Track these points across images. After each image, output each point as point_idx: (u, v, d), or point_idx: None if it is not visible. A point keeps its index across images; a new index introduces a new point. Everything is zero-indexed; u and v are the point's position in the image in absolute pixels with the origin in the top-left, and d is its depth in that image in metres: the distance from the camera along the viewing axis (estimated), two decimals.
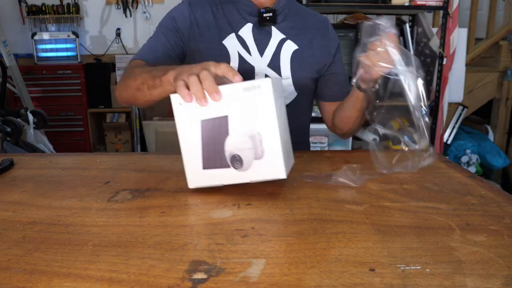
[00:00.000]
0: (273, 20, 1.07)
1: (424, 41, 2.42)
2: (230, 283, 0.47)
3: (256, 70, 1.07)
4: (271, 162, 0.69)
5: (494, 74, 3.00)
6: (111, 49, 3.70)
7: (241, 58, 1.07)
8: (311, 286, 0.46)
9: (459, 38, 2.39)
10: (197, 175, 0.73)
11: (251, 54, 1.07)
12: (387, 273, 0.49)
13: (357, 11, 2.38)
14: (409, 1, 2.25)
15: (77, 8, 3.59)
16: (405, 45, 2.39)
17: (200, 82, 0.68)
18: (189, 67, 0.73)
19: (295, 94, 1.10)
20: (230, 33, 1.07)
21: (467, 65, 2.64)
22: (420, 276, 0.48)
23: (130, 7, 3.64)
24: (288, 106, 1.09)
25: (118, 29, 3.68)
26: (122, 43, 3.70)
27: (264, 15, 1.06)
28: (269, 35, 1.08)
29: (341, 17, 2.55)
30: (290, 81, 1.09)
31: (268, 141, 0.68)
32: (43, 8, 3.56)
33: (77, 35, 3.55)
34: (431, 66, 2.40)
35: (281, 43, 1.09)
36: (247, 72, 1.07)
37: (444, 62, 2.32)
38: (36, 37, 3.50)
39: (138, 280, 0.48)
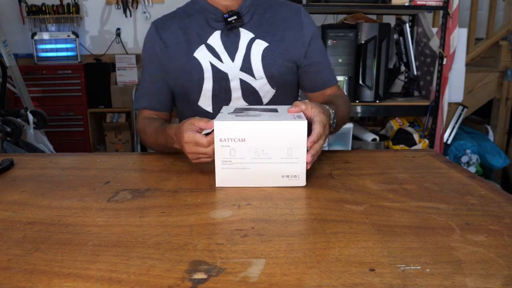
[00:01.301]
0: (239, 23, 1.06)
1: (424, 41, 2.42)
2: (230, 283, 0.47)
3: (230, 76, 1.07)
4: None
5: (494, 74, 3.00)
6: (111, 49, 3.70)
7: (213, 67, 1.07)
8: (311, 286, 0.46)
9: (459, 38, 2.39)
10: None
11: (223, 61, 1.07)
12: (387, 273, 0.49)
13: (357, 11, 2.38)
14: (409, 1, 2.24)
15: (77, 8, 3.59)
16: (405, 45, 2.39)
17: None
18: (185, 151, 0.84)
19: (273, 91, 1.09)
20: (200, 45, 1.07)
21: (467, 65, 2.63)
22: (420, 276, 0.48)
23: (130, 7, 3.64)
24: (268, 104, 1.10)
25: (118, 29, 3.68)
26: (122, 43, 3.70)
27: (229, 19, 1.05)
28: (237, 38, 1.07)
29: (341, 17, 2.54)
30: (264, 80, 1.08)
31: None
32: (43, 8, 3.56)
33: (77, 35, 3.55)
34: (431, 66, 2.40)
35: (250, 43, 1.07)
36: (221, 79, 1.07)
37: (444, 62, 2.32)
38: (36, 37, 3.50)
39: (138, 280, 0.48)
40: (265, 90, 1.09)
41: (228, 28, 1.06)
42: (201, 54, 1.07)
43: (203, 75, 1.07)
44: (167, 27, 1.11)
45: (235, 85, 1.08)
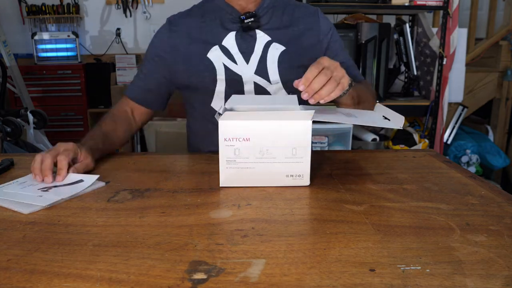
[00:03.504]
0: (255, 24, 1.04)
1: (424, 41, 2.42)
2: (230, 283, 0.47)
3: (244, 79, 1.05)
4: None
5: (494, 74, 3.00)
6: (111, 49, 3.70)
7: (227, 69, 1.04)
8: (311, 286, 0.46)
9: (459, 38, 2.39)
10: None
11: (237, 63, 1.05)
12: (387, 273, 0.49)
13: (357, 11, 2.38)
14: (409, 1, 2.24)
15: (77, 8, 3.59)
16: (405, 45, 2.39)
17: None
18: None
19: None
20: (214, 45, 1.05)
21: (467, 65, 2.63)
22: (420, 276, 0.48)
23: (130, 7, 3.64)
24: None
25: (118, 29, 3.68)
26: (122, 43, 3.70)
27: (246, 21, 1.03)
28: (253, 40, 1.05)
29: (341, 17, 2.54)
30: (280, 85, 1.05)
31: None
32: (43, 8, 3.55)
33: (77, 35, 3.54)
34: (431, 66, 2.40)
35: (266, 46, 1.05)
36: (235, 82, 1.05)
37: (444, 62, 2.32)
38: (36, 37, 3.50)
39: (138, 280, 0.48)
40: (280, 95, 1.06)
41: (245, 30, 1.04)
42: (215, 55, 1.04)
43: (215, 76, 1.04)
44: (181, 25, 1.08)
45: (248, 89, 1.05)
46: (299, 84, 0.77)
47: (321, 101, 0.78)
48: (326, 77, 0.77)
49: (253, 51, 1.05)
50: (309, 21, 1.09)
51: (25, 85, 3.17)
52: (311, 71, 0.77)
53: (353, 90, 0.89)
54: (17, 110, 2.72)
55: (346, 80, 0.81)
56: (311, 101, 0.78)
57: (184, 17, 1.10)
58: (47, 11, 3.56)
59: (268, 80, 1.05)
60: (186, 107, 1.18)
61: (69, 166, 0.82)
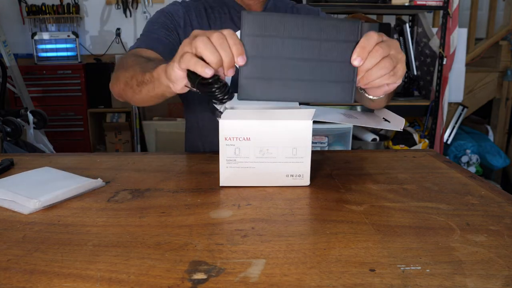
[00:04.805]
0: None
1: (424, 41, 2.42)
2: (230, 283, 0.47)
3: None
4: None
5: (494, 74, 3.00)
6: (111, 49, 3.70)
7: None
8: (311, 286, 0.46)
9: (459, 38, 2.39)
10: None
11: None
12: (387, 273, 0.49)
13: (357, 11, 2.38)
14: (409, 1, 2.24)
15: (77, 8, 3.59)
16: (405, 45, 2.39)
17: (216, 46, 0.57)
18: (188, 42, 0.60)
19: None
20: None
21: (467, 65, 2.64)
22: (420, 277, 0.48)
23: (130, 7, 3.64)
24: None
25: (118, 29, 3.68)
26: (122, 43, 3.70)
27: None
28: None
29: (341, 17, 2.54)
30: None
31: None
32: (43, 8, 3.56)
33: (77, 35, 3.54)
34: (431, 66, 2.40)
35: None
36: (236, 79, 1.04)
37: (444, 62, 2.32)
38: (36, 37, 3.50)
39: (138, 280, 0.48)
40: None
41: None
42: None
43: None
44: (193, 10, 1.06)
45: None
46: (355, 59, 0.61)
47: (370, 85, 0.64)
48: (380, 54, 0.60)
49: None
50: None
51: (25, 85, 3.17)
52: (368, 39, 0.60)
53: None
54: (17, 110, 2.72)
55: (401, 67, 0.63)
56: (361, 84, 0.63)
57: (195, 5, 1.08)
58: (47, 11, 3.57)
59: None
60: (183, 101, 1.17)
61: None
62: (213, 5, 1.09)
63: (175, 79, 0.64)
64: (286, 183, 0.78)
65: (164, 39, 0.98)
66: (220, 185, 0.78)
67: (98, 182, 0.78)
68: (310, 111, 0.74)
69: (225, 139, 0.75)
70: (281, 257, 0.52)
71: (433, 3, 2.25)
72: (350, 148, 2.36)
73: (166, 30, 1.01)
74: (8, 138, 2.39)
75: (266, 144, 0.75)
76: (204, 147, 1.13)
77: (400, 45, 2.37)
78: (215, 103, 0.67)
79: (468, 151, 2.76)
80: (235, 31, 1.03)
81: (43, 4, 3.55)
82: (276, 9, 1.10)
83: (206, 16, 1.06)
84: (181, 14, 1.05)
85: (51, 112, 3.25)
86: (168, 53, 0.94)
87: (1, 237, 0.59)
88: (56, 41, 3.54)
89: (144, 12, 3.65)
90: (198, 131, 1.14)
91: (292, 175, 0.77)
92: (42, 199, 0.68)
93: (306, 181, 0.78)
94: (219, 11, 1.08)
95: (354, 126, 2.42)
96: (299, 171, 0.77)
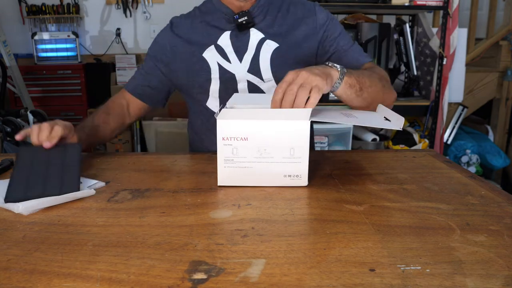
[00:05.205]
0: (249, 24, 1.04)
1: (424, 41, 2.42)
2: (230, 283, 0.47)
3: (237, 77, 1.06)
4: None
5: (494, 74, 3.00)
6: (111, 49, 3.70)
7: (221, 68, 1.05)
8: (311, 286, 0.46)
9: (459, 38, 2.38)
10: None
11: (231, 61, 1.06)
12: (387, 273, 0.49)
13: (357, 11, 2.38)
14: (409, 1, 2.24)
15: (77, 8, 3.59)
16: (405, 45, 2.39)
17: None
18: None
19: None
20: (210, 45, 1.06)
21: (467, 65, 2.63)
22: (420, 276, 0.48)
23: (130, 7, 3.64)
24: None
25: (118, 29, 3.68)
26: (122, 43, 3.70)
27: (239, 20, 1.03)
28: (247, 39, 1.06)
29: (341, 17, 2.54)
30: (273, 82, 1.05)
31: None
32: (43, 8, 3.55)
33: (77, 35, 3.54)
34: (431, 66, 2.40)
35: (260, 44, 1.05)
36: (229, 80, 1.06)
37: (444, 62, 2.32)
38: (36, 37, 3.49)
39: (138, 280, 0.48)
40: None
41: (239, 29, 1.05)
42: (210, 55, 1.06)
43: (210, 76, 1.06)
44: (181, 26, 1.11)
45: (242, 87, 1.06)
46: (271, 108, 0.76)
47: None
48: (293, 92, 0.74)
49: (246, 49, 1.06)
50: (305, 17, 1.08)
51: (25, 85, 3.17)
52: (276, 94, 0.75)
53: (348, 78, 0.85)
54: (17, 110, 2.72)
55: (320, 82, 0.76)
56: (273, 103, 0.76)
57: (185, 18, 1.13)
58: (47, 11, 3.56)
59: (261, 78, 1.06)
60: (186, 106, 1.19)
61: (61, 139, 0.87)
62: (205, 12, 1.10)
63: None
64: (283, 183, 0.77)
65: (147, 84, 1.14)
66: (218, 184, 0.78)
67: (91, 191, 0.76)
68: (307, 112, 0.74)
69: (223, 139, 0.75)
70: (281, 257, 0.52)
71: (433, 3, 2.25)
72: (350, 148, 2.36)
73: (148, 71, 1.14)
74: (8, 138, 2.39)
75: (264, 144, 0.75)
76: (208, 147, 1.13)
77: (401, 45, 2.38)
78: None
79: (468, 151, 2.76)
80: (220, 32, 1.08)
81: (43, 4, 3.55)
82: (270, 4, 1.08)
83: (193, 27, 1.09)
84: (166, 40, 1.11)
85: (51, 112, 3.25)
86: (145, 91, 1.15)
87: (1, 237, 0.59)
88: (56, 41, 3.53)
89: (144, 12, 3.65)
90: (201, 131, 1.15)
91: (289, 175, 0.77)
92: (26, 205, 0.68)
93: (304, 181, 0.78)
94: (209, 18, 1.09)
95: (354, 126, 2.42)
96: (296, 171, 0.77)
